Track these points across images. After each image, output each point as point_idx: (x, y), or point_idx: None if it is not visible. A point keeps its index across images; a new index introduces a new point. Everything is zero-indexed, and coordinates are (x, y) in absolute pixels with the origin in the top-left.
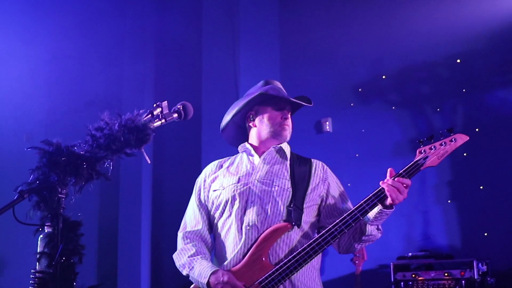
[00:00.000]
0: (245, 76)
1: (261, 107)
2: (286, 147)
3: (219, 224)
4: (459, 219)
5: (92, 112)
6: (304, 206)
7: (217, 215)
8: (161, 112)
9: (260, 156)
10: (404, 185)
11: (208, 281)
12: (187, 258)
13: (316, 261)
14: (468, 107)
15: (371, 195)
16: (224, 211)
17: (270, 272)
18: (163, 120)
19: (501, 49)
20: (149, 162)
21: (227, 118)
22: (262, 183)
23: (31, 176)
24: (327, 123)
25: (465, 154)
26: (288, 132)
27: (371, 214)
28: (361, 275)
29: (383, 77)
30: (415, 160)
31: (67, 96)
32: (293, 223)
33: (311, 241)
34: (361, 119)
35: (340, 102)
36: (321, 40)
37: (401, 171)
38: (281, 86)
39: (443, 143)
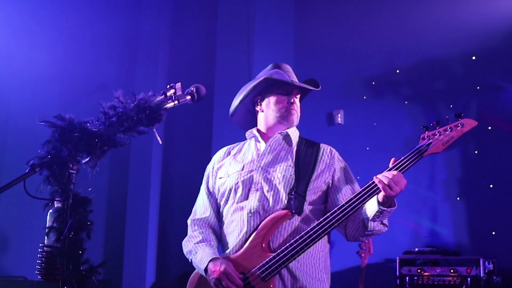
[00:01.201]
0: (258, 62)
1: (268, 92)
2: (293, 133)
3: (224, 212)
4: (467, 217)
5: (105, 95)
6: (308, 193)
7: (222, 202)
8: (174, 93)
9: (266, 143)
10: (397, 176)
11: (206, 267)
12: (193, 245)
13: (320, 249)
14: (481, 105)
15: (364, 187)
16: (228, 198)
17: (267, 259)
18: (176, 102)
19: None
20: (161, 142)
21: (235, 102)
22: (265, 171)
23: (42, 150)
24: (339, 115)
25: (476, 152)
26: (295, 116)
27: (370, 212)
28: (367, 268)
29: (397, 71)
30: (417, 147)
31: (80, 78)
32: (293, 211)
33: (308, 228)
34: (373, 113)
35: (352, 94)
36: (336, 32)
37: (402, 158)
38: (290, 70)
39: (448, 129)
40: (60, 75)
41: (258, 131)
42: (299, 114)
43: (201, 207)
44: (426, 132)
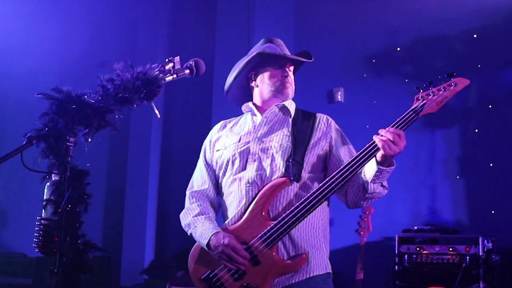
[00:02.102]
0: (258, 38)
1: (261, 67)
2: (290, 104)
3: (223, 183)
4: (466, 195)
5: (105, 70)
6: (305, 160)
7: (220, 174)
8: (173, 67)
9: (262, 115)
10: (398, 136)
11: (208, 242)
12: (191, 218)
13: (319, 218)
14: (482, 83)
15: (362, 150)
16: (226, 170)
17: (268, 228)
18: (174, 75)
19: None
20: (159, 116)
21: (229, 80)
22: (262, 141)
23: (40, 122)
24: (339, 93)
25: (476, 130)
26: (290, 89)
27: (369, 172)
28: (365, 246)
29: (398, 49)
30: (412, 107)
31: (80, 53)
32: (291, 178)
33: (308, 194)
34: (374, 91)
35: (353, 72)
36: (336, 9)
37: (397, 119)
38: (282, 43)
39: (442, 88)
40: (60, 50)
41: (254, 105)
42: (293, 87)
43: (199, 179)
44: (420, 92)
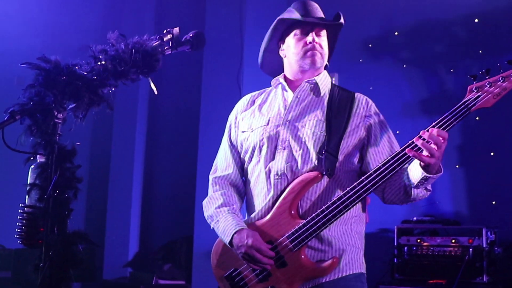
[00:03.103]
0: (251, 11)
1: (287, 34)
2: (323, 80)
3: (249, 170)
4: (466, 186)
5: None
6: (340, 152)
7: (246, 158)
8: (172, 39)
9: (294, 92)
10: (442, 139)
11: (231, 240)
12: (214, 210)
13: (354, 213)
14: (484, 69)
15: (400, 150)
16: (252, 156)
17: (297, 227)
18: (173, 49)
19: None
20: (156, 92)
21: (260, 52)
22: (293, 126)
23: (24, 96)
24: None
25: (477, 118)
26: (317, 57)
27: (414, 177)
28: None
29: (395, 33)
30: (464, 100)
31: (61, 37)
32: (324, 173)
33: (342, 193)
34: (370, 76)
35: (348, 57)
36: None
37: (446, 114)
38: (313, 5)
39: (500, 79)
40: (43, 20)
41: (286, 79)
42: (324, 54)
43: (223, 163)
44: (474, 83)
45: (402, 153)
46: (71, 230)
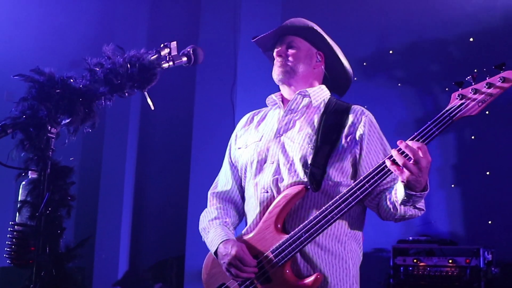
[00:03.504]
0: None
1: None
2: (317, 92)
3: (245, 186)
4: (462, 205)
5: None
6: (329, 165)
7: (242, 176)
8: (169, 53)
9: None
10: (420, 151)
11: (216, 250)
12: (207, 223)
13: (345, 229)
14: (470, 76)
15: (376, 167)
16: (246, 172)
17: (280, 242)
18: (170, 63)
19: None
20: (153, 108)
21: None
22: (283, 140)
23: (16, 109)
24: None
25: (473, 137)
26: (280, 70)
27: (399, 194)
28: None
29: (390, 51)
30: (446, 108)
31: (53, 50)
32: (308, 186)
33: (324, 207)
34: (364, 95)
35: None
36: (325, 9)
37: (427, 124)
38: (292, 21)
39: (485, 85)
40: (33, 33)
41: (282, 96)
42: (292, 63)
43: (223, 179)
44: (460, 89)
45: (383, 165)
46: (69, 249)
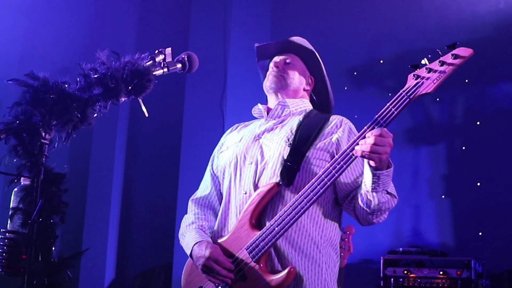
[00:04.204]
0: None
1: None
2: (298, 103)
3: (224, 188)
4: (452, 216)
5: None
6: (304, 164)
7: (221, 179)
8: (164, 59)
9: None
10: (380, 136)
11: (191, 253)
12: (184, 228)
13: (317, 226)
14: (470, 99)
15: (339, 155)
16: (225, 172)
17: (254, 238)
18: (165, 69)
19: (509, 40)
20: (147, 115)
21: None
22: (260, 142)
23: (9, 114)
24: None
25: (463, 148)
26: (274, 79)
27: (368, 181)
28: (346, 268)
29: (381, 61)
30: (403, 89)
31: (41, 56)
32: (280, 183)
33: (293, 199)
34: (355, 104)
35: (333, 85)
36: (316, 19)
37: (386, 106)
38: (299, 39)
39: (438, 63)
40: (22, 35)
41: (266, 107)
42: (287, 75)
43: (202, 186)
44: (415, 71)
45: (348, 151)
46: (62, 257)
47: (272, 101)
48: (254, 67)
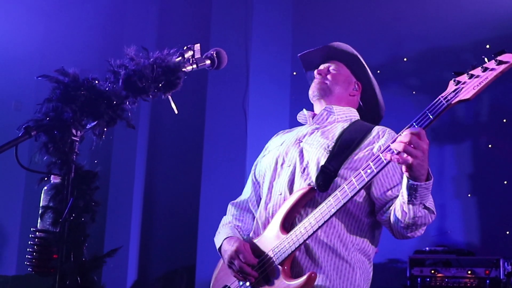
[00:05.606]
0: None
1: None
2: (344, 110)
3: (261, 191)
4: (479, 215)
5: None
6: (341, 170)
7: (261, 181)
8: (193, 56)
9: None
10: (417, 136)
11: (220, 247)
12: (220, 227)
13: (350, 229)
14: (495, 96)
15: (374, 159)
16: (265, 176)
17: (281, 239)
18: (194, 66)
19: None
20: (177, 112)
21: None
22: (301, 145)
23: (40, 111)
24: None
25: (490, 146)
26: (317, 87)
27: (404, 190)
28: (372, 268)
29: (404, 59)
30: (443, 94)
31: (60, 55)
32: (315, 187)
33: (322, 203)
34: None
35: None
36: (338, 17)
37: (424, 111)
38: (342, 44)
39: (481, 69)
40: (42, 35)
41: (313, 113)
42: (330, 82)
43: (244, 191)
44: (457, 77)
45: (379, 155)
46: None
47: (317, 108)
48: (276, 66)
